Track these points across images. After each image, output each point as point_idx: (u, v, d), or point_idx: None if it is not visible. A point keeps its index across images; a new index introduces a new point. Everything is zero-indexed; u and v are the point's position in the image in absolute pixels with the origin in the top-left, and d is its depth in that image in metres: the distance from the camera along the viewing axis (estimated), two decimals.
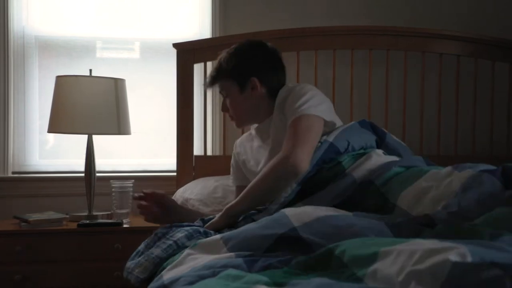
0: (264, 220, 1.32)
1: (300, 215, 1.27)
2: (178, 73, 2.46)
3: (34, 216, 2.25)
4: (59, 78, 2.33)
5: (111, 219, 2.37)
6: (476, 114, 2.64)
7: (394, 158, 1.68)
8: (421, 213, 1.33)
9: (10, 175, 2.56)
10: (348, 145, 1.67)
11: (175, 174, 2.48)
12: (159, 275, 1.25)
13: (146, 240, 1.55)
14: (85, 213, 2.36)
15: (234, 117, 1.85)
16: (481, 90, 2.65)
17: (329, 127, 1.74)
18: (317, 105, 1.70)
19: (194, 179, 2.39)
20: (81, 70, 2.51)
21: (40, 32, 2.61)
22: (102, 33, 2.65)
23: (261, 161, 1.83)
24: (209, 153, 2.61)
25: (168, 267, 1.27)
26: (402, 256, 0.88)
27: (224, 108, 1.88)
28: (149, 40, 2.68)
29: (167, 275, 1.21)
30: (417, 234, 1.16)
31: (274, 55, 1.86)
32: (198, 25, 2.68)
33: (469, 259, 0.77)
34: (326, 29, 2.53)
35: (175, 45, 2.46)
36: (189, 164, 2.46)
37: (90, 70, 2.41)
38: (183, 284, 1.09)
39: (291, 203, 1.54)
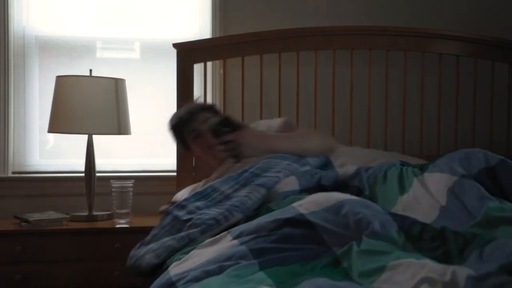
0: (272, 213, 1.35)
1: (307, 204, 1.29)
2: (178, 73, 2.47)
3: (35, 216, 2.25)
4: (59, 78, 2.33)
5: (111, 219, 2.37)
6: (476, 114, 2.64)
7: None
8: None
9: (10, 175, 2.56)
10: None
11: (175, 174, 2.48)
12: (166, 271, 1.26)
13: (153, 231, 1.56)
14: (85, 213, 2.36)
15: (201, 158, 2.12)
16: (481, 90, 2.65)
17: None
18: None
19: (194, 179, 2.39)
20: (81, 70, 2.51)
21: (40, 32, 2.61)
22: (102, 33, 2.65)
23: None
24: None
25: (175, 263, 1.27)
26: (412, 267, 0.89)
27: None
28: (149, 40, 2.68)
29: (174, 270, 1.21)
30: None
31: None
32: (198, 25, 2.68)
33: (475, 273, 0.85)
34: (326, 29, 2.53)
35: (175, 45, 2.46)
36: (189, 164, 2.46)
37: (90, 70, 2.41)
38: (190, 280, 1.10)
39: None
